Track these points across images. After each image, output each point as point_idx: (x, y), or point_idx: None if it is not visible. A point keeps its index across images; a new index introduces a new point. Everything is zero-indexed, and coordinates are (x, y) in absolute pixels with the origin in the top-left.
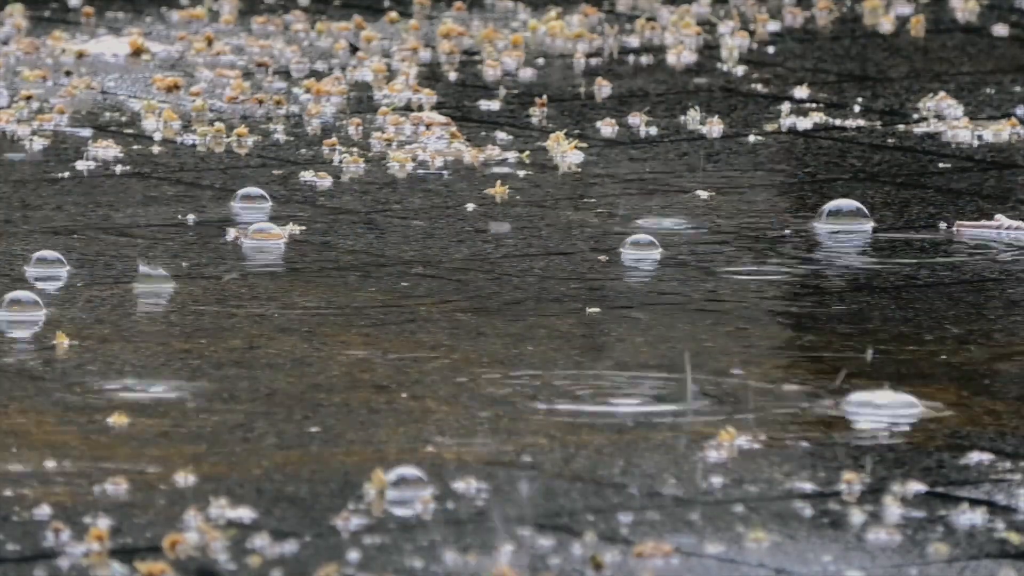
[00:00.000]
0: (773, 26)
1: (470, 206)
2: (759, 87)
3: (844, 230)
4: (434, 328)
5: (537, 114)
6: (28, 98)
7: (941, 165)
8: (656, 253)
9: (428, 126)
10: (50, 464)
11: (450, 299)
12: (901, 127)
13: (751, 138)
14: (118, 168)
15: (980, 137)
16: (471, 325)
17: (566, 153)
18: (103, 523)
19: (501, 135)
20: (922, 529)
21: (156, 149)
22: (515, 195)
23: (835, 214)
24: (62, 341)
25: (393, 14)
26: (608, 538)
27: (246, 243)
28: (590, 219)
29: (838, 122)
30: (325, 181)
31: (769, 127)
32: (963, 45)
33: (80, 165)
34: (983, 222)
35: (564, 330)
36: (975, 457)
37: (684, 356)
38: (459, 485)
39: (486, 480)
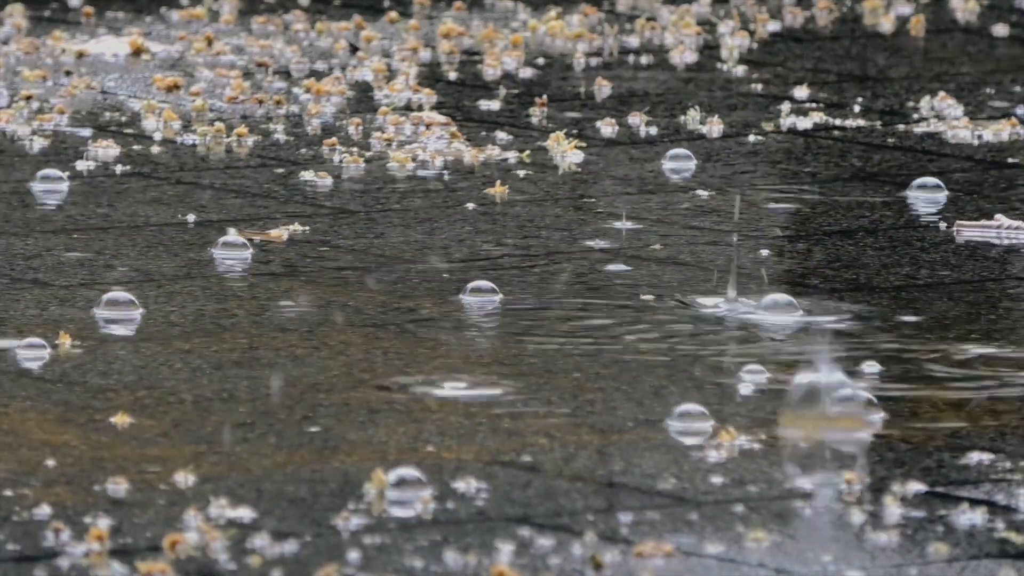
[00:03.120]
0: (773, 26)
1: (470, 205)
2: (759, 87)
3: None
4: (434, 328)
5: (537, 114)
6: (28, 98)
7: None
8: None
9: (428, 126)
10: (50, 464)
11: (450, 299)
12: (901, 127)
13: (751, 138)
14: (118, 168)
15: (980, 137)
16: (471, 325)
17: (566, 153)
18: (103, 523)
19: (501, 135)
20: (922, 529)
21: (156, 149)
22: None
23: None
24: (64, 341)
25: (393, 14)
26: (608, 538)
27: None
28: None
29: (838, 122)
30: (325, 181)
31: (769, 127)
32: (963, 45)
33: (80, 165)
34: (983, 222)
35: (565, 329)
36: (975, 457)
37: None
38: (459, 485)
39: (486, 480)
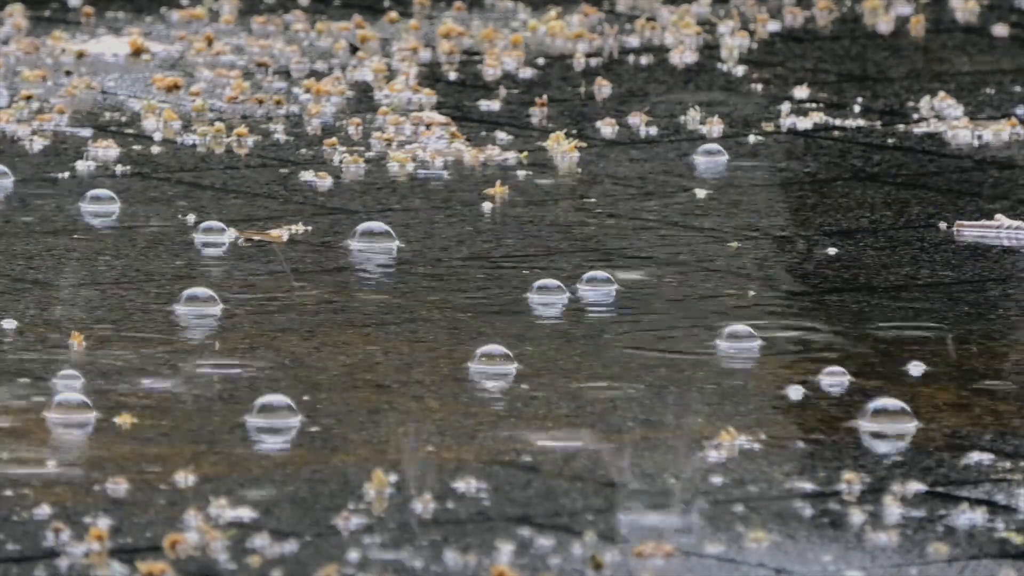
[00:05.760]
0: (773, 26)
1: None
2: (759, 87)
3: None
4: (434, 328)
5: (537, 114)
6: (28, 98)
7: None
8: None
9: (428, 126)
10: (50, 464)
11: (450, 299)
12: (901, 127)
13: (751, 138)
14: (118, 168)
15: (980, 137)
16: (471, 325)
17: (566, 153)
18: (103, 523)
19: (501, 135)
20: (922, 529)
21: (156, 149)
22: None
23: None
24: (79, 340)
25: (393, 14)
26: (608, 538)
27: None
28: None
29: (838, 122)
30: (325, 181)
31: (769, 127)
32: (963, 45)
33: (80, 165)
34: (983, 222)
35: (564, 329)
36: (975, 457)
37: None
38: (459, 485)
39: (486, 480)
